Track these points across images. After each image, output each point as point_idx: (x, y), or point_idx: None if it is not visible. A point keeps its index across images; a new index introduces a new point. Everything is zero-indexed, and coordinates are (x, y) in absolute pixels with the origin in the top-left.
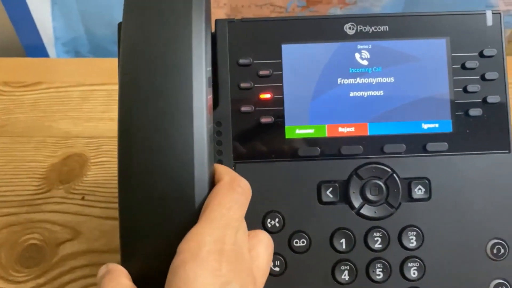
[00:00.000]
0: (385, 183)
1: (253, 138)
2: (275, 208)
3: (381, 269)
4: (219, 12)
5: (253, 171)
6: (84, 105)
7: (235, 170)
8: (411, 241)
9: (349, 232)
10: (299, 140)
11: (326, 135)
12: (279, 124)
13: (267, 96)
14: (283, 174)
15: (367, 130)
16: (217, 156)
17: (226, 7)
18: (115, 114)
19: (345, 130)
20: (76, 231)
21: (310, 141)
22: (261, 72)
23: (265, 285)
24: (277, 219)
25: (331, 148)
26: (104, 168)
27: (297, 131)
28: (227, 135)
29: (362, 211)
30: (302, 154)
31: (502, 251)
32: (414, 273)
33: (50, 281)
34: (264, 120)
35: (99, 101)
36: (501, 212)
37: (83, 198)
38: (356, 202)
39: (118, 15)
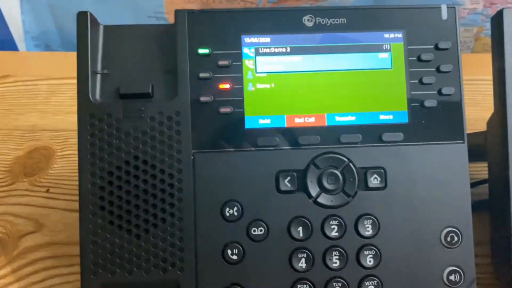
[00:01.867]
0: (341, 172)
1: (212, 128)
2: (233, 197)
3: (337, 257)
4: (190, 7)
5: (212, 161)
6: (52, 98)
7: (194, 160)
8: (367, 229)
9: (306, 221)
10: (258, 130)
11: (285, 126)
12: (238, 114)
13: (226, 86)
14: (242, 164)
15: (325, 121)
16: (176, 145)
17: (197, 2)
18: None
19: (303, 120)
20: (39, 224)
21: (269, 132)
22: (221, 63)
23: (221, 274)
24: (235, 208)
25: (289, 138)
26: (70, 161)
27: (256, 121)
28: (186, 125)
29: (319, 199)
30: (261, 144)
31: (456, 239)
32: (370, 261)
33: (10, 273)
34: (223, 110)
35: (68, 94)
36: (455, 201)
37: (47, 191)
38: (313, 191)
39: (88, 9)
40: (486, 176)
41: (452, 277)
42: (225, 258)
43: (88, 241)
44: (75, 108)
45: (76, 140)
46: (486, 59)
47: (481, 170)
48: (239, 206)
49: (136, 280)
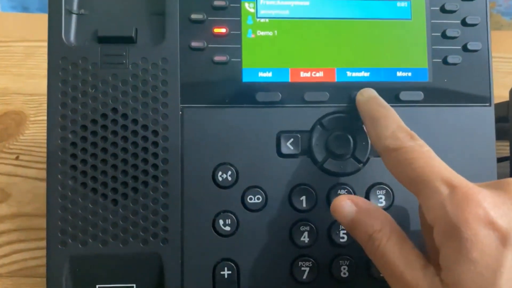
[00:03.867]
0: (352, 135)
1: (204, 79)
2: (227, 160)
3: (345, 231)
4: None
5: (203, 117)
6: (28, 61)
7: (182, 115)
8: (380, 200)
9: (311, 189)
10: (257, 84)
11: (289, 80)
12: (235, 64)
13: (222, 30)
14: (238, 122)
15: (334, 76)
16: (162, 98)
17: None
18: None
19: (309, 74)
20: (5, 193)
21: (270, 86)
22: (216, 3)
23: (210, 248)
24: (229, 173)
25: (293, 95)
26: (44, 127)
27: (256, 74)
28: (174, 74)
29: (326, 165)
30: (261, 99)
31: None
32: None
33: None
34: (218, 58)
35: (45, 57)
36: (479, 171)
37: (17, 158)
38: (320, 156)
39: None
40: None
41: None
42: (216, 230)
43: (56, 205)
44: None
45: None
46: (498, 37)
47: (502, 149)
48: (233, 170)
49: (112, 252)
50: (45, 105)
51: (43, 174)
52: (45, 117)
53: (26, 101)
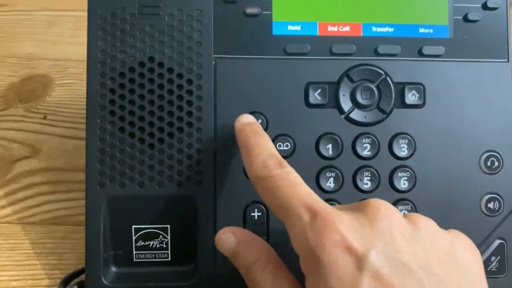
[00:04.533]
0: (377, 87)
1: (236, 30)
2: (258, 109)
3: (369, 178)
4: None
5: (235, 67)
6: (52, 29)
7: (215, 65)
8: (402, 149)
9: (337, 138)
10: (287, 37)
11: (317, 34)
12: (266, 16)
13: None
14: (268, 72)
15: (360, 31)
16: (196, 48)
17: None
18: (84, 39)
19: (336, 28)
20: (35, 149)
21: (299, 39)
22: None
23: (241, 190)
24: (259, 121)
25: (321, 47)
26: (70, 89)
27: (286, 27)
28: (208, 25)
29: (352, 115)
30: (290, 51)
31: (496, 164)
32: (404, 184)
33: (3, 197)
34: (249, 10)
35: (68, 26)
36: (496, 124)
37: (44, 117)
38: (346, 106)
39: None
40: None
41: (490, 205)
42: (246, 175)
43: (95, 148)
44: (76, 39)
45: (77, 70)
46: None
47: None
48: (263, 119)
49: (148, 193)
50: (71, 69)
51: (70, 132)
52: (71, 81)
53: (51, 65)
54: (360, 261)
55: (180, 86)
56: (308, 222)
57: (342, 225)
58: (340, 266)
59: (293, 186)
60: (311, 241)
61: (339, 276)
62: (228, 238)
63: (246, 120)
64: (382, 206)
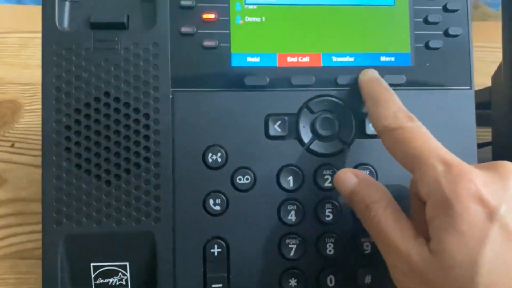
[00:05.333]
0: (337, 118)
1: (194, 64)
2: (217, 142)
3: (331, 210)
4: None
5: (193, 100)
6: (22, 52)
7: (173, 99)
8: None
9: (298, 169)
10: (246, 68)
11: (276, 65)
12: (224, 49)
13: (211, 16)
14: (227, 105)
15: (320, 61)
16: (153, 82)
17: None
18: None
19: (296, 59)
20: (1, 179)
21: (258, 70)
22: None
23: (201, 226)
24: (219, 154)
25: (281, 78)
26: (39, 115)
27: (244, 58)
28: (165, 59)
29: (312, 147)
30: (249, 83)
31: None
32: None
33: None
34: (207, 43)
35: (39, 48)
36: (460, 153)
37: (12, 145)
38: (306, 137)
39: None
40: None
41: None
42: (207, 209)
43: (51, 186)
44: None
45: None
46: (484, 27)
47: (484, 135)
48: (223, 152)
49: (106, 231)
50: (40, 94)
51: (38, 161)
52: (40, 106)
53: (21, 90)
54: (491, 213)
55: (136, 121)
56: (443, 172)
57: (477, 178)
58: (472, 215)
59: (425, 138)
60: (446, 189)
61: (470, 223)
62: (350, 177)
63: (372, 74)
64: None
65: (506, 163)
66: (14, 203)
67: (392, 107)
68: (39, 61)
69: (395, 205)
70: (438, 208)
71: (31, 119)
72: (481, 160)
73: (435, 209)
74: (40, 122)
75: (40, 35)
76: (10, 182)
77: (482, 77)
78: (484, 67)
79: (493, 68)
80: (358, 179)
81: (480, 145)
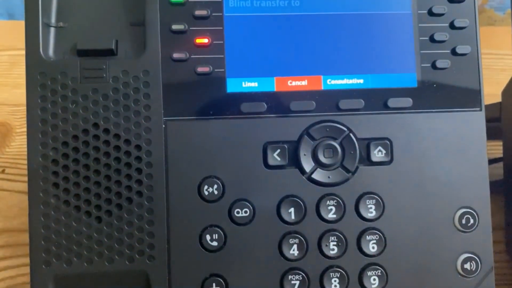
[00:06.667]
0: (340, 144)
1: (187, 91)
2: (213, 173)
3: (335, 243)
4: None
5: (187, 129)
6: (13, 70)
7: (165, 129)
8: (370, 210)
9: (299, 201)
10: (242, 94)
11: (275, 90)
12: (219, 75)
13: (204, 41)
14: (223, 134)
15: (321, 84)
16: (144, 111)
17: None
18: None
19: (296, 83)
20: None
21: (255, 96)
22: (198, 12)
23: (198, 264)
24: (215, 186)
25: (279, 104)
26: None
27: (240, 84)
28: (156, 87)
29: (314, 176)
30: (246, 110)
31: (472, 221)
32: (373, 247)
33: None
34: (200, 69)
35: None
36: (471, 178)
37: (3, 171)
38: (308, 166)
39: None
40: (501, 155)
41: (467, 265)
42: (203, 245)
43: (39, 225)
44: None
45: None
46: (491, 33)
47: (495, 149)
48: (219, 184)
49: (97, 271)
50: None
51: None
52: None
53: (12, 112)
54: None
55: (128, 153)
56: None
57: None
58: None
59: None
60: None
61: None
62: None
63: None
64: None
65: None
66: (4, 233)
67: None
68: None
69: None
70: None
71: (22, 142)
72: (492, 176)
73: None
74: None
75: None
76: (0, 211)
77: (490, 86)
78: (492, 75)
79: (502, 77)
80: None
81: (491, 161)
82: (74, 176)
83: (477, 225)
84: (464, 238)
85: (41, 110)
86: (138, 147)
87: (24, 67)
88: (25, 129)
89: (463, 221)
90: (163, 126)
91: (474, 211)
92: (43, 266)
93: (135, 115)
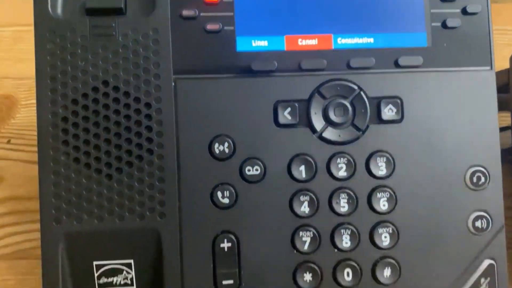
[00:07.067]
0: (351, 103)
1: (197, 49)
2: (224, 131)
3: (345, 200)
4: None
5: (197, 88)
6: (16, 45)
7: (175, 87)
8: (380, 168)
9: (310, 159)
10: (252, 53)
11: (285, 49)
12: (228, 33)
13: None
14: (233, 92)
15: (331, 43)
16: (154, 69)
17: None
18: None
19: (306, 42)
20: None
21: (265, 55)
22: None
23: (209, 220)
24: (226, 144)
25: (290, 63)
26: (35, 110)
27: (250, 42)
28: (166, 45)
29: (325, 134)
30: (256, 68)
31: (483, 179)
32: (383, 205)
33: None
34: (210, 27)
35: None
36: (481, 137)
37: (8, 142)
38: (318, 125)
39: None
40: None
41: (478, 223)
42: (215, 202)
43: (49, 182)
44: None
45: None
46: (496, 10)
47: (502, 120)
48: (230, 142)
49: (108, 228)
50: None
51: (35, 157)
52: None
53: (16, 85)
54: None
55: (137, 111)
56: None
57: None
58: None
59: None
60: None
61: None
62: None
63: None
64: None
65: None
66: (11, 201)
67: None
68: (34, 55)
69: None
70: None
71: (27, 114)
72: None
73: None
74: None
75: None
76: (6, 180)
77: (496, 61)
78: (498, 50)
79: (507, 51)
80: None
81: (499, 129)
82: (84, 134)
83: (488, 183)
84: (475, 196)
85: (50, 67)
86: (148, 105)
87: (27, 42)
88: (29, 102)
89: (474, 180)
90: (173, 84)
91: (485, 169)
92: (54, 224)
93: (144, 72)
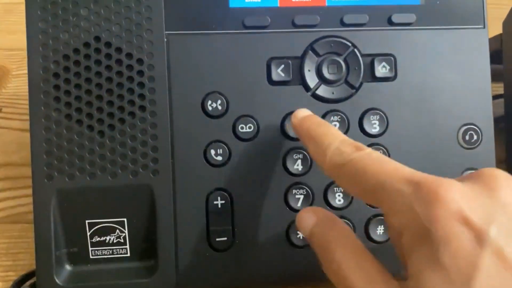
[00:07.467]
0: (344, 60)
1: (190, 4)
2: (217, 88)
3: None
4: None
5: (189, 44)
6: (8, 17)
7: (167, 42)
8: (374, 126)
9: None
10: (245, 9)
11: (278, 5)
12: None
13: None
14: (226, 48)
15: (325, 0)
16: (146, 24)
17: None
18: None
19: None
20: None
21: (258, 11)
22: None
23: (202, 178)
24: (219, 102)
25: (283, 19)
26: (27, 80)
27: None
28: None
29: (318, 92)
30: (249, 24)
31: (475, 137)
32: None
33: None
34: None
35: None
36: (474, 95)
37: (0, 111)
38: (312, 82)
39: None
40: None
41: None
42: (208, 160)
43: (41, 138)
44: None
45: None
46: None
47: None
48: (223, 99)
49: (100, 184)
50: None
51: (27, 125)
52: (27, 71)
53: (8, 56)
54: (479, 236)
55: (130, 67)
56: (413, 193)
57: (456, 193)
58: (457, 241)
59: (381, 163)
60: (421, 214)
61: (454, 252)
62: (308, 217)
63: (303, 114)
64: (500, 175)
65: (492, 171)
66: (4, 167)
67: (334, 142)
68: (25, 27)
69: (357, 245)
70: (415, 240)
71: (19, 83)
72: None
73: (412, 241)
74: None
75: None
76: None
77: (490, 34)
78: (492, 24)
79: (501, 26)
80: (317, 218)
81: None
82: (76, 90)
83: (480, 142)
84: (467, 154)
85: (42, 22)
86: (140, 61)
87: (18, 14)
88: (21, 72)
89: (467, 137)
90: (165, 39)
91: (478, 127)
92: (45, 180)
93: (136, 28)
